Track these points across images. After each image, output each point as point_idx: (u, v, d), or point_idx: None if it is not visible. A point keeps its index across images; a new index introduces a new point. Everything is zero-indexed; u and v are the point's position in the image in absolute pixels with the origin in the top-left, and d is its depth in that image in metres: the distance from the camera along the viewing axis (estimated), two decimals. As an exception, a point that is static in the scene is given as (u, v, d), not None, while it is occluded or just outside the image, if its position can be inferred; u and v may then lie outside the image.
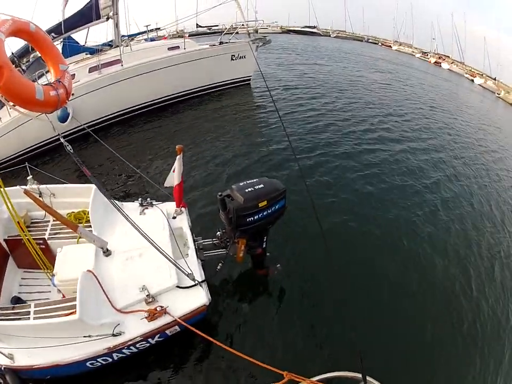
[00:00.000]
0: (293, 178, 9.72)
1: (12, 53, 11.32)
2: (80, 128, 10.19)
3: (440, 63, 52.54)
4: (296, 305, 6.20)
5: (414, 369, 5.46)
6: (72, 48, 13.41)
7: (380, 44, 64.20)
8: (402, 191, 10.30)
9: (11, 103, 3.67)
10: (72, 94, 10.25)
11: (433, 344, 5.96)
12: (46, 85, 3.96)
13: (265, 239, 5.58)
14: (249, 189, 4.86)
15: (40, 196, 5.87)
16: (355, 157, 11.87)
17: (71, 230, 5.36)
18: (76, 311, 3.98)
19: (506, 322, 6.82)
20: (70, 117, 4.43)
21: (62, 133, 4.56)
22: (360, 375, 4.09)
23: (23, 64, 11.44)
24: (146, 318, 4.35)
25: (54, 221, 5.96)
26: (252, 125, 14.10)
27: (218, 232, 5.65)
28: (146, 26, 17.26)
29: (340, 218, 8.50)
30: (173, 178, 5.73)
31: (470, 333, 6.36)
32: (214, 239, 5.75)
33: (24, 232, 5.05)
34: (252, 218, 4.87)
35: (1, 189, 4.76)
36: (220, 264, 5.30)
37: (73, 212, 6.11)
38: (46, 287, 5.40)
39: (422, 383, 5.38)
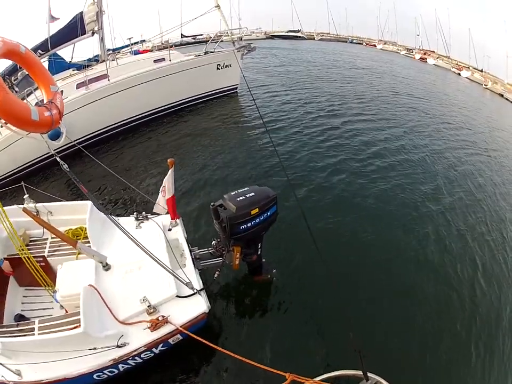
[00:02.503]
0: (282, 183, 9.90)
1: (4, 74, 11.37)
2: (71, 145, 10.26)
3: (426, 58, 52.55)
4: (293, 307, 6.31)
5: (413, 364, 5.58)
6: (58, 65, 13.41)
7: (364, 43, 64.46)
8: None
9: (3, 121, 3.73)
10: (62, 111, 10.40)
11: (432, 338, 6.08)
12: (40, 106, 4.08)
13: (259, 246, 5.69)
14: (241, 198, 5.00)
15: (37, 214, 5.92)
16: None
17: (69, 247, 5.49)
18: (80, 325, 4.08)
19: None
20: (63, 136, 4.49)
21: (54, 151, 4.66)
22: (361, 373, 4.24)
23: (15, 84, 11.45)
24: (149, 328, 4.45)
25: (52, 238, 6.03)
26: (241, 134, 14.18)
27: (213, 241, 5.75)
28: (129, 39, 17.32)
29: (330, 219, 8.66)
30: (162, 203, 5.99)
31: (470, 327, 6.44)
32: (209, 248, 5.86)
33: (23, 250, 5.16)
34: (245, 226, 5.00)
35: (0, 208, 4.86)
36: (216, 272, 5.44)
37: (70, 229, 6.16)
38: (48, 303, 5.47)
39: (422, 376, 5.46)
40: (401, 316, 6.37)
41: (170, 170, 5.48)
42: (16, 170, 11.09)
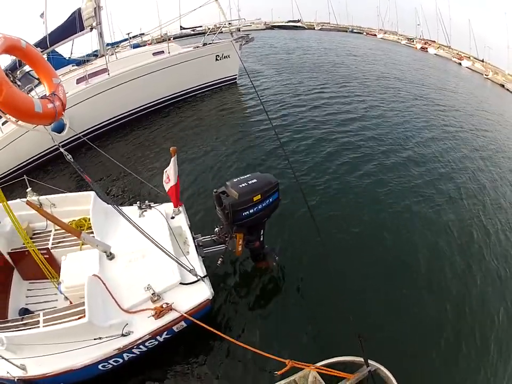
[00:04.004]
0: (283, 170, 9.99)
1: (6, 70, 11.31)
2: (73, 139, 10.28)
3: (427, 48, 52.13)
4: (295, 294, 6.36)
5: (415, 351, 5.55)
6: (57, 61, 13.20)
7: (364, 33, 63.95)
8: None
9: (8, 116, 3.74)
10: (63, 106, 10.41)
11: (434, 325, 6.06)
12: (43, 98, 4.09)
13: (262, 232, 5.73)
14: (243, 184, 5.02)
15: (40, 207, 5.94)
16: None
17: (73, 238, 5.53)
18: (85, 315, 4.08)
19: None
20: (66, 128, 4.52)
21: (59, 143, 4.69)
22: (362, 359, 4.26)
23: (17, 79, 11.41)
24: (153, 315, 4.47)
25: (55, 230, 6.05)
26: (241, 122, 14.22)
27: (216, 228, 5.78)
28: (128, 33, 17.29)
29: (332, 206, 8.68)
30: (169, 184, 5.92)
31: (473, 316, 6.37)
32: (212, 236, 5.88)
33: (28, 243, 5.16)
34: (247, 213, 5.03)
35: (4, 202, 4.87)
36: (220, 259, 5.43)
37: (74, 220, 6.18)
38: (52, 296, 5.50)
39: (422, 364, 5.43)
40: (404, 303, 6.36)
41: (172, 159, 5.47)
42: (19, 166, 11.07)
